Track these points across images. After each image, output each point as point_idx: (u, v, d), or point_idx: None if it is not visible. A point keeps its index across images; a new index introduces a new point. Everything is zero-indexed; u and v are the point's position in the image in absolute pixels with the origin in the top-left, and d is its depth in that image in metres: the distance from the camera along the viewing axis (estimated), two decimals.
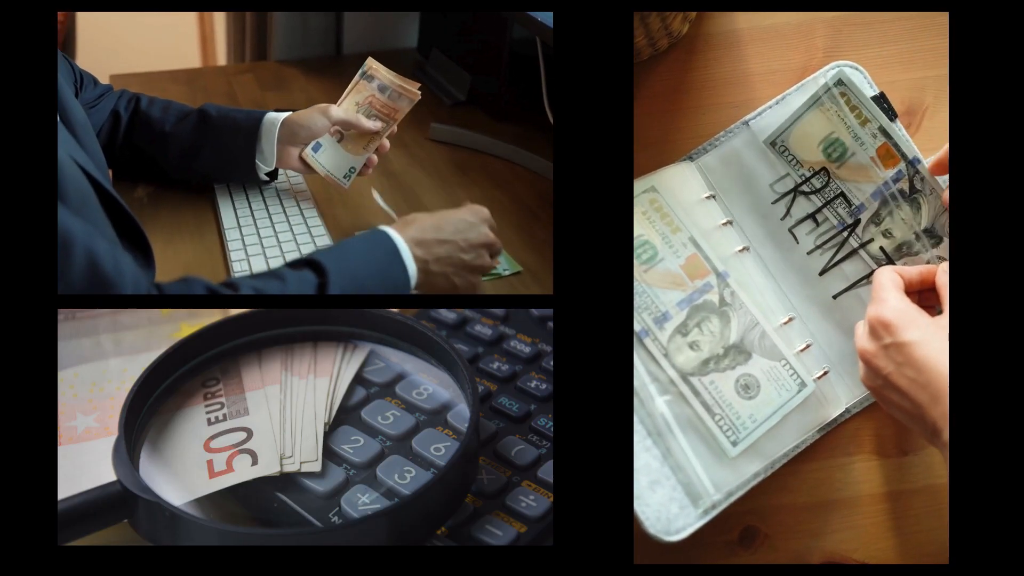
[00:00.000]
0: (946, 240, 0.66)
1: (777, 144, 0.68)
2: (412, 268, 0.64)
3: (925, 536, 0.65)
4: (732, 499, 0.63)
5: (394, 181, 0.93)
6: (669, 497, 0.63)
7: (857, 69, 0.68)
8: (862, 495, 0.66)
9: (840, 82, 0.66)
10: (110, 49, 1.64)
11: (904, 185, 0.66)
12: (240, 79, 1.22)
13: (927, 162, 0.65)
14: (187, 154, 0.84)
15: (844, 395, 0.67)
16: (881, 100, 0.67)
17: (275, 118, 0.82)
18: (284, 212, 0.84)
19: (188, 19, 1.92)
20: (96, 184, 0.61)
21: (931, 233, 0.66)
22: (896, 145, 0.66)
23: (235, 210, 0.84)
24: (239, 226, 0.82)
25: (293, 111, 0.84)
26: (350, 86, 0.83)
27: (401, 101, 0.82)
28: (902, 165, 0.66)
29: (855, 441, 0.67)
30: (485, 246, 0.68)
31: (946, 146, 0.62)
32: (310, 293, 0.59)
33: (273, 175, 0.86)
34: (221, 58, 1.80)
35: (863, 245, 0.67)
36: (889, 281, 0.59)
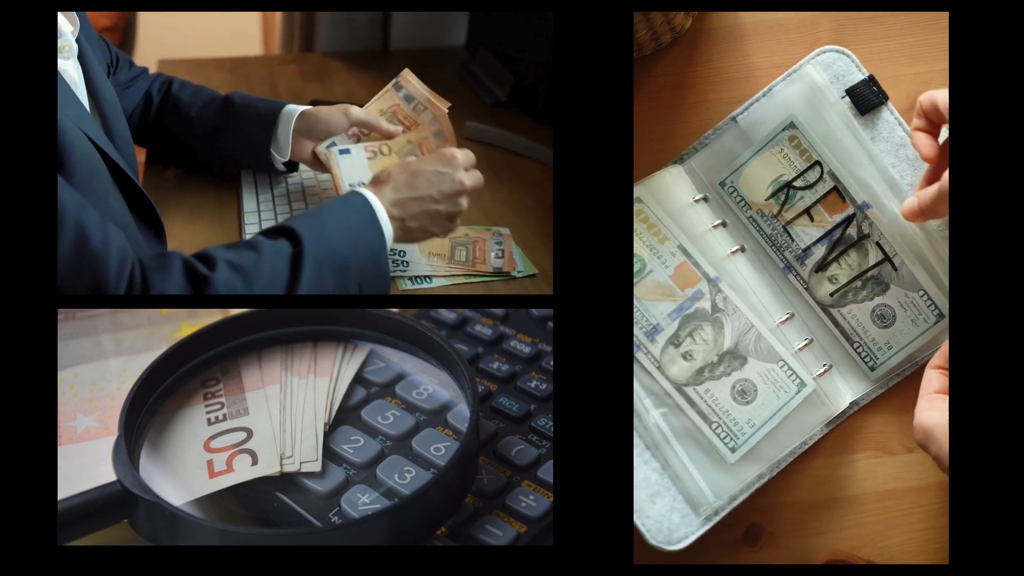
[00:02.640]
0: (893, 287, 0.66)
1: (726, 185, 0.68)
2: (388, 229, 0.65)
3: (930, 533, 0.65)
4: (735, 504, 0.63)
5: None
6: (670, 507, 0.63)
7: (843, 53, 0.68)
8: (867, 492, 0.66)
9: (792, 124, 0.67)
10: (172, 38, 1.65)
11: (852, 231, 0.67)
12: (283, 69, 1.23)
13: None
14: (210, 138, 0.86)
15: (847, 390, 0.67)
16: (870, 83, 0.67)
17: (293, 109, 0.83)
18: (305, 204, 0.85)
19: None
20: (109, 160, 0.62)
21: (877, 280, 0.66)
22: (845, 190, 0.66)
23: (257, 197, 0.85)
24: (258, 211, 0.83)
25: (334, 103, 0.84)
26: (379, 93, 0.83)
27: (425, 115, 0.82)
28: (851, 210, 0.66)
29: (860, 439, 0.67)
30: (459, 193, 0.69)
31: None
32: (285, 264, 0.59)
33: (291, 167, 0.87)
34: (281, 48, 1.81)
35: (829, 264, 0.67)
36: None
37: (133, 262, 0.56)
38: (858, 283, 0.67)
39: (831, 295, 0.67)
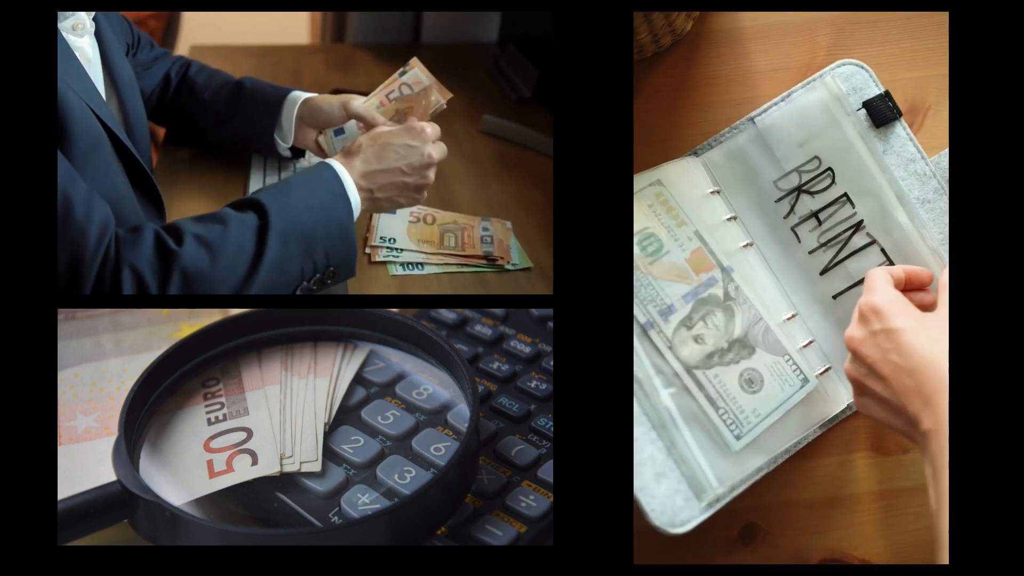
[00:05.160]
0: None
1: None
2: (356, 200, 0.66)
3: (925, 534, 0.65)
4: (735, 493, 0.63)
5: None
6: (674, 489, 0.62)
7: (861, 67, 0.68)
8: (862, 492, 0.66)
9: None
10: (215, 29, 1.64)
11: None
12: (311, 58, 1.24)
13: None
14: (221, 121, 0.88)
15: (845, 392, 0.67)
16: (885, 98, 0.67)
17: (297, 96, 0.84)
18: None
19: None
20: (112, 135, 0.64)
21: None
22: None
23: (264, 180, 0.87)
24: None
25: (354, 91, 0.86)
26: (387, 80, 0.83)
27: (427, 105, 0.82)
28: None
29: (856, 438, 0.67)
30: (427, 166, 0.70)
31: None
32: (251, 237, 0.60)
33: (297, 152, 0.88)
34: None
35: (867, 246, 0.67)
36: (882, 274, 0.61)
37: (111, 234, 0.57)
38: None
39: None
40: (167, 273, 0.57)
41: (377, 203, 0.69)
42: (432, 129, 0.72)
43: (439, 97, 0.81)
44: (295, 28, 1.84)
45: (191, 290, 0.58)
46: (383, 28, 1.32)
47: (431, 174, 0.71)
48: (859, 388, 0.59)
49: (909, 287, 0.62)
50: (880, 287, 0.59)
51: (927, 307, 0.60)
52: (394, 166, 0.69)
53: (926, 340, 0.54)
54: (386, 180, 0.69)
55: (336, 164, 0.67)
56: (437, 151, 0.71)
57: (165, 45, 1.49)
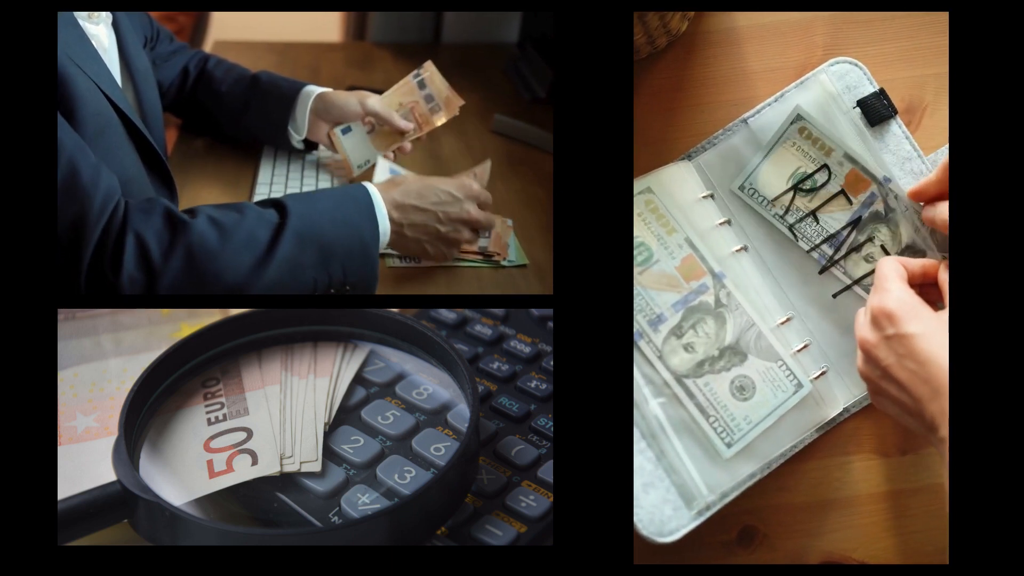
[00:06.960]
0: (930, 253, 0.66)
1: (745, 188, 0.68)
2: (385, 226, 0.65)
3: (924, 536, 0.65)
4: (726, 500, 0.63)
5: (439, 165, 0.94)
6: (663, 499, 0.63)
7: (856, 65, 0.68)
8: (861, 494, 0.66)
9: (799, 117, 0.67)
10: (244, 26, 1.65)
11: (879, 207, 0.67)
12: (330, 55, 1.26)
13: (902, 182, 0.66)
14: (236, 113, 0.90)
15: (843, 395, 0.67)
16: (880, 97, 0.67)
17: (312, 90, 0.86)
18: (316, 181, 0.88)
19: None
20: (125, 118, 0.66)
21: (913, 249, 0.66)
22: (864, 168, 0.66)
23: (273, 170, 0.89)
24: (270, 183, 0.86)
25: (370, 88, 0.87)
26: (400, 83, 0.84)
27: (440, 112, 0.83)
28: (873, 187, 0.66)
29: (854, 440, 0.67)
30: (464, 222, 0.70)
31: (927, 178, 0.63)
32: (266, 230, 0.60)
33: (310, 145, 0.90)
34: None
35: (863, 244, 0.67)
36: (893, 271, 0.59)
37: (118, 201, 0.58)
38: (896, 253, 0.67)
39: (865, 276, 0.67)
40: (173, 245, 0.58)
41: (404, 240, 0.68)
42: (481, 192, 0.71)
43: (452, 111, 0.81)
44: (326, 26, 1.84)
45: (194, 270, 0.58)
46: (403, 27, 1.32)
47: (465, 232, 0.70)
48: (874, 388, 0.58)
49: (926, 280, 0.61)
50: (892, 287, 0.57)
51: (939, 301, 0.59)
52: (431, 209, 0.68)
53: (940, 347, 0.53)
54: (419, 219, 0.67)
55: (370, 185, 0.66)
56: (479, 214, 0.70)
57: (193, 40, 1.51)
